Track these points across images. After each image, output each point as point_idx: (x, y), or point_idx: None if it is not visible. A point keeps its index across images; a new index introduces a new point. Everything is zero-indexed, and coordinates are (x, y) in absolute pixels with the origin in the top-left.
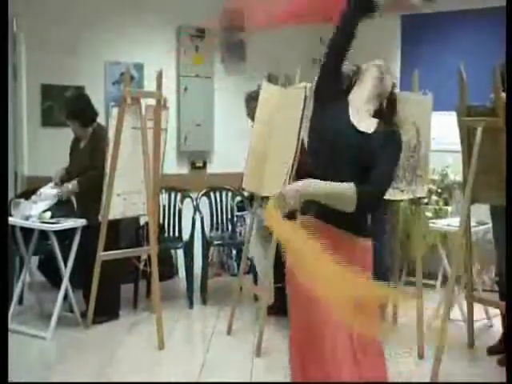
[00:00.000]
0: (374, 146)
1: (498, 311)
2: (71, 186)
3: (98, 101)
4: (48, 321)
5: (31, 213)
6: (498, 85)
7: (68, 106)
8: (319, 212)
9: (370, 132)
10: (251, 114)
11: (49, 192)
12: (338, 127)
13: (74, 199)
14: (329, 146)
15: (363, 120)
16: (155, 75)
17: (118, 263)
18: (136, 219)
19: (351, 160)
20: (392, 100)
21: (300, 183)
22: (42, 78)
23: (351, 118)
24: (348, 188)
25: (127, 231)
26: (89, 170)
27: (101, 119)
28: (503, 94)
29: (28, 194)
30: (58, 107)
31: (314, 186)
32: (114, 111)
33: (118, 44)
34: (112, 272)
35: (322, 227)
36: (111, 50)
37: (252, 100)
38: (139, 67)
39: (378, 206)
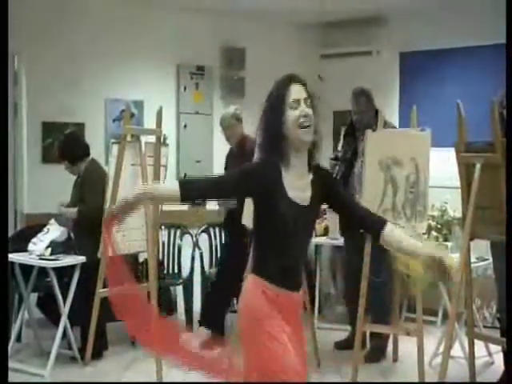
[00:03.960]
0: None
1: (499, 348)
2: (71, 210)
3: (98, 138)
4: (46, 358)
5: (35, 249)
6: (496, 120)
7: (57, 148)
8: None
9: None
10: None
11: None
12: None
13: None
14: None
15: None
16: (155, 112)
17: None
18: (135, 256)
19: None
20: None
21: None
22: (42, 115)
23: None
24: None
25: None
26: (77, 205)
27: (101, 156)
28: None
29: (29, 230)
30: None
31: None
32: (114, 148)
33: (118, 81)
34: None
35: None
36: (111, 87)
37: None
38: (139, 104)
39: None
